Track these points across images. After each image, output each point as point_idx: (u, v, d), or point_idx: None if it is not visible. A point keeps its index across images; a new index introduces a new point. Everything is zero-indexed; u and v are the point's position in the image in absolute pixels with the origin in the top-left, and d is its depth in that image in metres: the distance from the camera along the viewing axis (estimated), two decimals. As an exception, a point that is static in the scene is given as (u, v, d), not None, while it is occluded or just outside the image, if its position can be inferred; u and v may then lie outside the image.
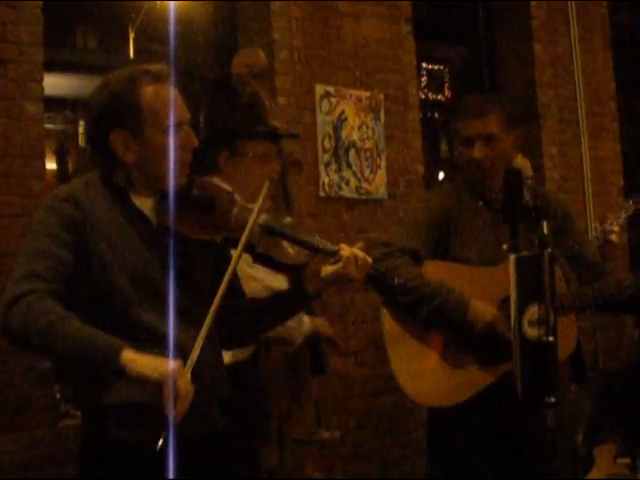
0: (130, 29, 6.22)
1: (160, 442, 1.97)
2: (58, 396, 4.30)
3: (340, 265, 2.37)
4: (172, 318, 2.16)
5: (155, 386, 1.98)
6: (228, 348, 2.63)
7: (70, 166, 7.04)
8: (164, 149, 2.25)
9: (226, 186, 2.52)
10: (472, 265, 3.13)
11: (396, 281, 3.07)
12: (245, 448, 2.76)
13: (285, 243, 2.37)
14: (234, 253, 2.28)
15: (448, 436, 3.16)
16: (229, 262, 2.26)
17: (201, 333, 2.09)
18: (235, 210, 2.34)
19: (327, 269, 2.41)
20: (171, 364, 1.99)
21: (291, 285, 2.58)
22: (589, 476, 4.38)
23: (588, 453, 4.43)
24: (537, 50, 6.67)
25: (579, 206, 6.70)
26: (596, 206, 6.83)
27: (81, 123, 7.84)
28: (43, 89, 4.24)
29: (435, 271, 3.11)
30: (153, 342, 2.16)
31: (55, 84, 5.44)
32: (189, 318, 2.24)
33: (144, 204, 2.31)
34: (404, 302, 3.10)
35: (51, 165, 6.22)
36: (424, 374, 3.09)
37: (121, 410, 2.18)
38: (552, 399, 2.52)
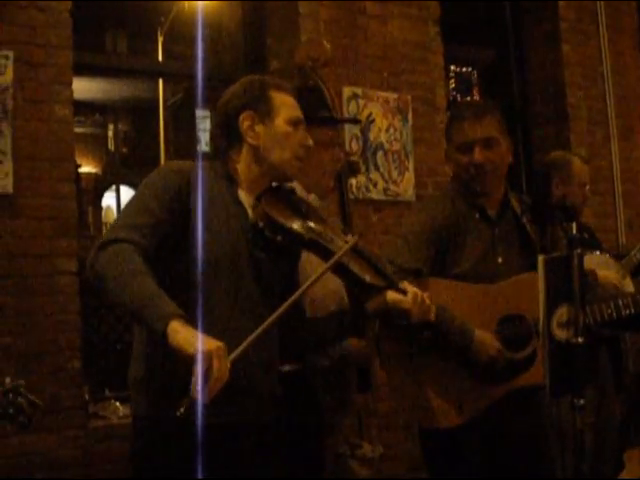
0: (159, 32, 6.27)
1: (182, 409, 2.00)
2: (87, 397, 4.32)
3: (406, 299, 2.52)
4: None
5: (189, 361, 2.01)
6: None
7: (98, 169, 7.10)
8: (287, 137, 2.47)
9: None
10: (467, 279, 3.04)
11: None
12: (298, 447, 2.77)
13: (365, 265, 2.45)
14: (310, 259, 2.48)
15: (445, 450, 3.11)
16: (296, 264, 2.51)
17: (258, 329, 2.14)
18: (327, 225, 2.49)
19: (393, 295, 2.53)
20: (213, 344, 2.04)
21: (352, 305, 2.71)
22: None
23: (618, 457, 4.39)
24: (566, 51, 6.62)
25: (609, 208, 6.65)
26: (626, 208, 6.77)
27: (110, 127, 7.90)
28: (72, 92, 4.27)
29: (435, 289, 2.98)
30: (212, 326, 2.24)
31: (84, 88, 5.48)
32: (255, 315, 2.32)
33: (246, 200, 2.46)
34: (406, 325, 3.03)
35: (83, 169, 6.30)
36: (423, 397, 3.04)
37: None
38: (581, 401, 2.51)
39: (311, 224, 2.43)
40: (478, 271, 3.06)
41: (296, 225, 2.39)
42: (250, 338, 2.12)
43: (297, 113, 2.52)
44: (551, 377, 2.49)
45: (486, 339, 2.96)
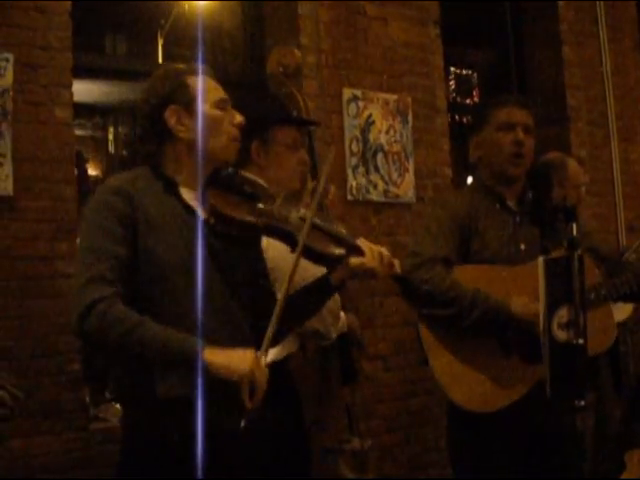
0: (159, 34, 6.26)
1: (243, 422, 2.12)
2: (88, 399, 4.32)
3: (367, 258, 2.45)
4: (200, 306, 2.23)
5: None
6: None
7: (99, 172, 7.09)
8: (215, 121, 2.37)
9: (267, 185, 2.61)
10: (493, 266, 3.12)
11: (428, 293, 3.07)
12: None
13: (324, 237, 2.43)
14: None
15: (470, 440, 3.13)
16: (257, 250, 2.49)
17: (268, 330, 2.17)
18: (278, 202, 2.42)
19: (353, 260, 2.47)
20: (249, 360, 2.11)
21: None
22: (620, 480, 4.34)
23: (619, 458, 4.38)
24: (566, 52, 6.63)
25: (609, 209, 6.65)
26: (626, 209, 6.77)
27: (110, 129, 7.87)
28: (72, 94, 4.27)
29: (465, 275, 3.08)
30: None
31: (85, 90, 5.47)
32: (228, 312, 2.30)
33: (191, 197, 2.36)
34: (444, 315, 3.07)
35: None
36: (468, 381, 3.06)
37: (171, 403, 2.21)
38: (582, 402, 2.50)
39: (261, 206, 2.37)
40: (501, 258, 3.12)
41: (247, 215, 2.33)
42: (269, 330, 2.16)
43: (221, 94, 2.41)
44: (552, 378, 2.48)
45: (522, 301, 2.98)
